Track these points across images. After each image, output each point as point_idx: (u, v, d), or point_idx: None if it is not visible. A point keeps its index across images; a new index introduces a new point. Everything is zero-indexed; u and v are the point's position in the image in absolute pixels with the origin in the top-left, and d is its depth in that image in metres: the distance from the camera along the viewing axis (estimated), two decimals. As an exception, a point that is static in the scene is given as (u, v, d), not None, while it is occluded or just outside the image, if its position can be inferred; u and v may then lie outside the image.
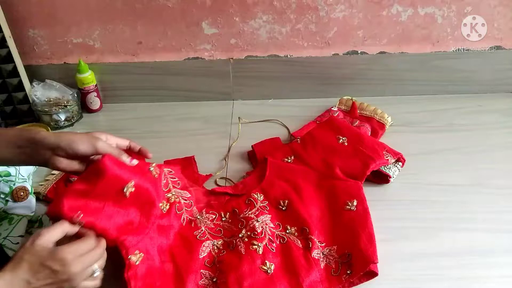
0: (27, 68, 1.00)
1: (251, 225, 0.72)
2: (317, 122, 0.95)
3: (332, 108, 0.98)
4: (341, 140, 0.85)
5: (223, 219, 0.76)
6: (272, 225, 0.73)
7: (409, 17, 0.96)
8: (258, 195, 0.78)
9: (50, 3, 0.96)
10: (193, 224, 0.75)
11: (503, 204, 0.77)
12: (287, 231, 0.73)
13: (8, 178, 0.80)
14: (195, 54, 1.02)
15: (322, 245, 0.70)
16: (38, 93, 1.01)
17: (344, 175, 0.79)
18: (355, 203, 0.74)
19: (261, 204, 0.77)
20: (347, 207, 0.73)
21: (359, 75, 1.03)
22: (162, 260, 0.68)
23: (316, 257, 0.68)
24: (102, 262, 0.61)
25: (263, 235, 0.71)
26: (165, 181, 0.75)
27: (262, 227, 0.72)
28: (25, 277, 0.53)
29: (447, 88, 1.04)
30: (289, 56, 1.02)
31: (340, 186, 0.77)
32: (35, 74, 1.03)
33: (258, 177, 0.84)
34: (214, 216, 0.77)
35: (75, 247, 0.57)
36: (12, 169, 0.80)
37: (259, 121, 0.99)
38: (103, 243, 0.62)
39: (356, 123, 0.92)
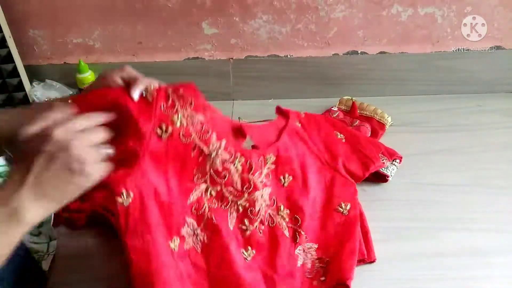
0: (27, 68, 1.00)
1: (253, 197, 0.69)
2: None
3: (332, 108, 0.98)
4: (339, 136, 0.84)
5: (235, 164, 0.68)
6: (268, 202, 0.71)
7: (409, 17, 0.96)
8: (271, 156, 0.73)
9: (50, 3, 0.96)
10: (200, 159, 0.66)
11: (503, 204, 0.77)
12: (280, 212, 0.71)
13: (8, 178, 0.79)
14: (195, 54, 1.02)
15: (306, 239, 0.70)
16: (38, 93, 1.01)
17: (346, 171, 0.78)
18: (348, 207, 0.73)
19: (267, 170, 0.72)
20: (340, 208, 0.73)
21: (359, 75, 1.03)
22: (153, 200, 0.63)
23: (297, 254, 0.68)
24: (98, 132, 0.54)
25: (257, 216, 0.69)
26: (170, 101, 0.62)
27: (260, 206, 0.69)
28: (19, 168, 0.48)
29: (447, 88, 1.04)
30: (289, 56, 1.02)
31: (339, 182, 0.76)
32: (35, 74, 1.03)
33: (277, 131, 0.78)
34: (228, 157, 0.68)
35: (46, 114, 0.51)
36: (12, 169, 0.80)
37: (259, 121, 0.99)
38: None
39: (356, 123, 0.92)
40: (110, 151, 0.55)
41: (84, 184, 0.50)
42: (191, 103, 0.64)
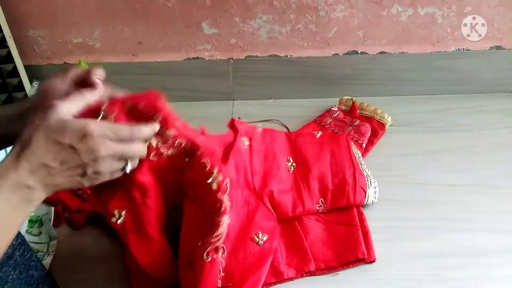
0: (27, 68, 1.00)
1: (219, 220, 0.58)
2: (317, 122, 0.95)
3: (332, 108, 0.98)
4: (289, 164, 0.80)
5: (210, 180, 0.58)
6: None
7: (409, 17, 0.96)
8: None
9: (50, 3, 0.96)
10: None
11: (503, 204, 0.78)
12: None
13: (8, 178, 0.79)
14: (195, 54, 1.02)
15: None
16: (38, 93, 1.01)
17: (273, 202, 0.74)
18: (264, 238, 0.69)
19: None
20: (256, 238, 0.68)
21: (359, 75, 1.03)
22: None
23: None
24: (135, 160, 0.53)
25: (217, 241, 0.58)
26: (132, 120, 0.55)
27: (221, 233, 0.58)
28: (39, 160, 0.44)
29: (447, 88, 1.04)
30: (289, 56, 1.02)
31: (262, 213, 0.72)
32: (35, 74, 1.03)
33: (223, 148, 0.72)
34: (203, 169, 0.58)
35: (106, 124, 0.48)
36: (12, 169, 0.80)
37: (259, 121, 0.99)
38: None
39: (356, 123, 0.93)
40: (129, 167, 0.51)
41: (92, 183, 0.49)
42: (157, 118, 0.55)
